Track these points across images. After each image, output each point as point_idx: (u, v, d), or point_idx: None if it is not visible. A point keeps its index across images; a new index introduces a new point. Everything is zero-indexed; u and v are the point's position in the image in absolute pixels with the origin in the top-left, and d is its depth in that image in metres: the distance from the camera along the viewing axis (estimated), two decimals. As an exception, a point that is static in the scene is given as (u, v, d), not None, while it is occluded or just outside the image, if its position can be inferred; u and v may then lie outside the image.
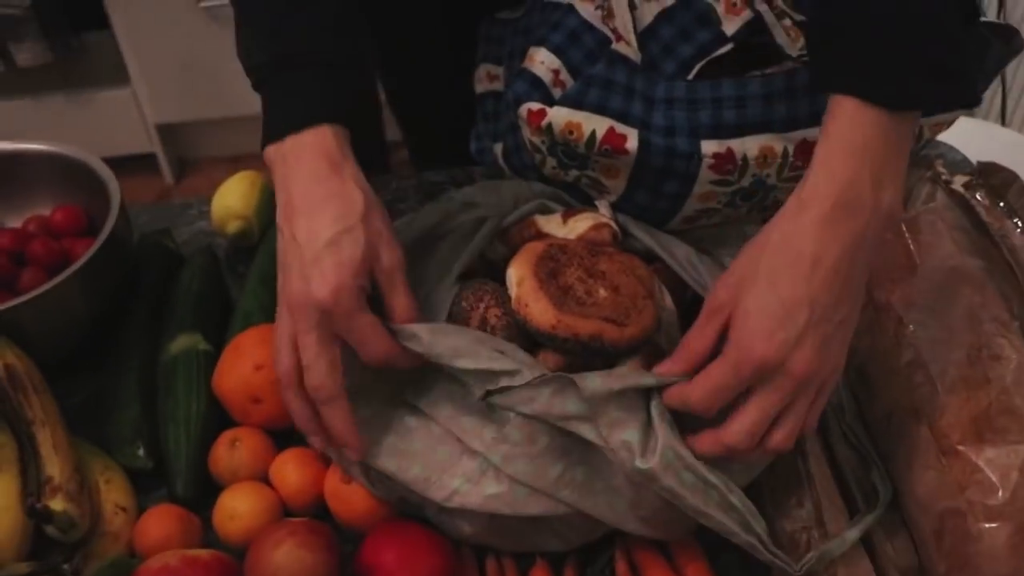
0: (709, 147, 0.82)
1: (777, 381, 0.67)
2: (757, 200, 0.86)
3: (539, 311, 0.76)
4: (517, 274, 0.79)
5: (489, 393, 0.69)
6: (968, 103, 0.70)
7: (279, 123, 0.74)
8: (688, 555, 0.77)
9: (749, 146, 0.82)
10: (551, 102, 0.84)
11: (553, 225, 0.91)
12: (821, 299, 0.66)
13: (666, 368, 0.71)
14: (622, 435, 0.68)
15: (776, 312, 0.66)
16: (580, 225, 0.89)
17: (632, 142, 0.82)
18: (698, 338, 0.70)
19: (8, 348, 0.84)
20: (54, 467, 0.79)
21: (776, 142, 0.82)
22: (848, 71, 0.66)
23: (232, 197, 1.02)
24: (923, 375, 0.78)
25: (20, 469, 0.78)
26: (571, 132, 0.82)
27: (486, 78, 0.98)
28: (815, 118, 0.81)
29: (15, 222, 1.01)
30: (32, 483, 0.78)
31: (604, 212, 0.89)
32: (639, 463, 0.67)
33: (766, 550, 0.70)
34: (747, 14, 0.82)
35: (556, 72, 0.85)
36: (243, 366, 0.85)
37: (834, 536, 0.74)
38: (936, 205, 0.89)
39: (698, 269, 0.85)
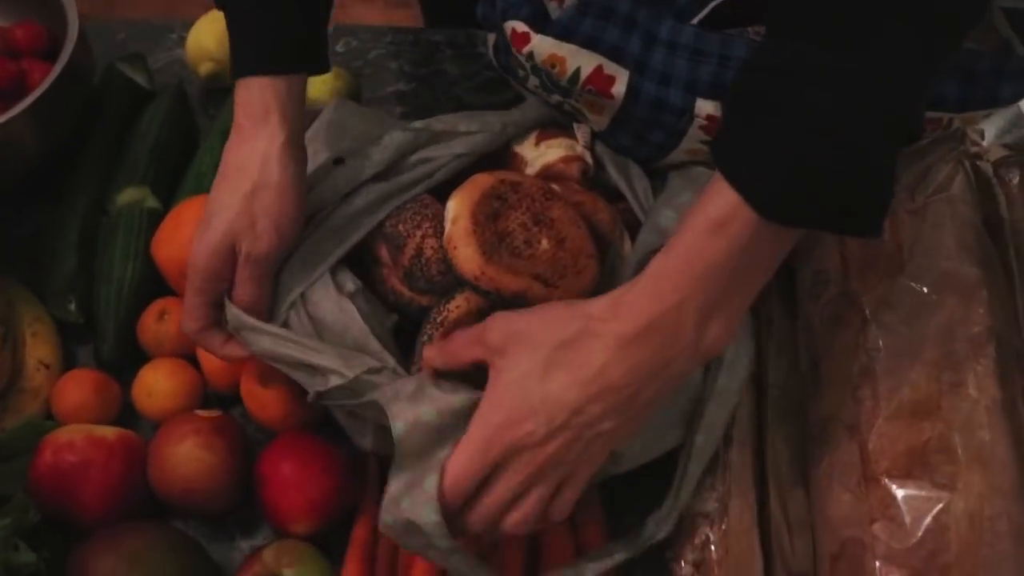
0: (704, 107, 0.73)
1: (519, 464, 0.62)
2: None
3: (465, 257, 0.71)
4: (454, 210, 0.73)
5: (319, 395, 0.69)
6: (866, 234, 0.59)
7: (233, 63, 0.73)
8: (589, 514, 0.76)
9: None
10: (543, 20, 0.75)
11: (526, 147, 0.84)
12: (589, 409, 0.61)
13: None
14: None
15: (533, 405, 0.61)
16: (551, 153, 0.82)
17: (619, 87, 0.74)
18: (458, 355, 0.66)
19: (-60, 187, 0.81)
20: (-24, 317, 0.79)
21: None
22: (744, 163, 0.57)
23: (207, 37, 0.95)
24: (870, 389, 0.72)
25: (-62, 319, 0.78)
26: (554, 66, 0.74)
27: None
28: None
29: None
30: (-49, 332, 0.78)
31: (581, 140, 0.82)
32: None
33: None
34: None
35: None
36: (181, 237, 0.81)
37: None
38: (951, 194, 0.80)
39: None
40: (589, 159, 0.82)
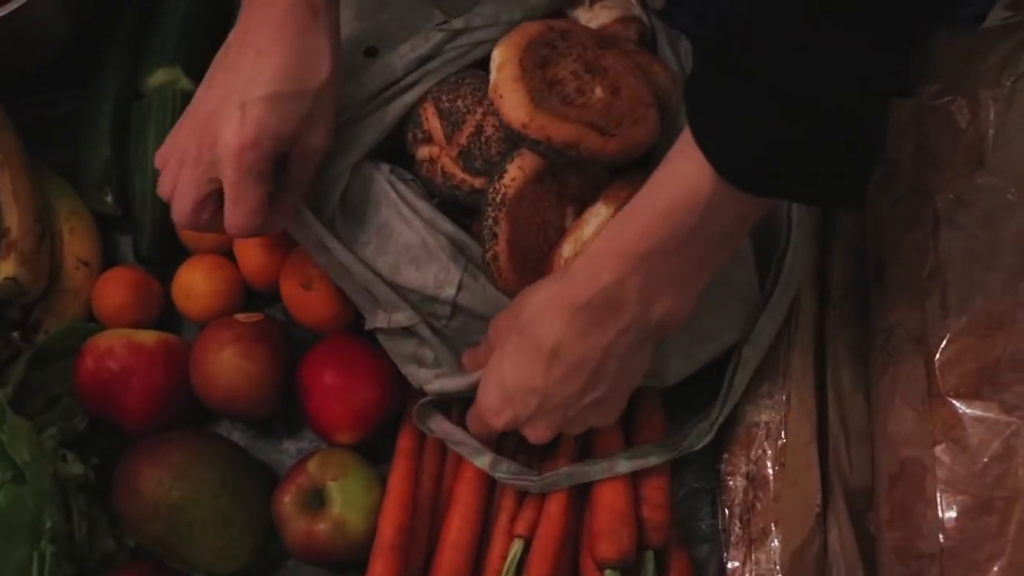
0: None
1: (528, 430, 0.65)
2: None
3: (512, 104, 0.64)
4: (500, 56, 0.67)
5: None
6: (846, 206, 0.55)
7: None
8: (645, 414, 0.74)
9: None
10: None
11: (580, 10, 0.76)
12: (557, 390, 0.62)
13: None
14: None
15: (505, 394, 0.63)
16: (606, 14, 0.75)
17: None
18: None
19: (-37, 79, 0.77)
20: (12, 216, 0.76)
21: None
22: (716, 128, 0.51)
23: None
24: (940, 297, 0.67)
25: (-26, 221, 0.75)
26: None
27: None
28: None
29: None
30: (-12, 232, 0.75)
31: (636, 4, 0.74)
32: None
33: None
34: None
35: None
36: (214, 131, 0.76)
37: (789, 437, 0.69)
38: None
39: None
40: (647, 20, 0.74)
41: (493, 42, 0.71)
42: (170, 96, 0.81)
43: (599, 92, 0.66)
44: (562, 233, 0.68)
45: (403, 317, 0.68)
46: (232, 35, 0.65)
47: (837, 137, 0.49)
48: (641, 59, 0.71)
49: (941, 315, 0.67)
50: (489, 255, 0.67)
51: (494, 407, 0.64)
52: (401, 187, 0.69)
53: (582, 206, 0.68)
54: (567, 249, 0.66)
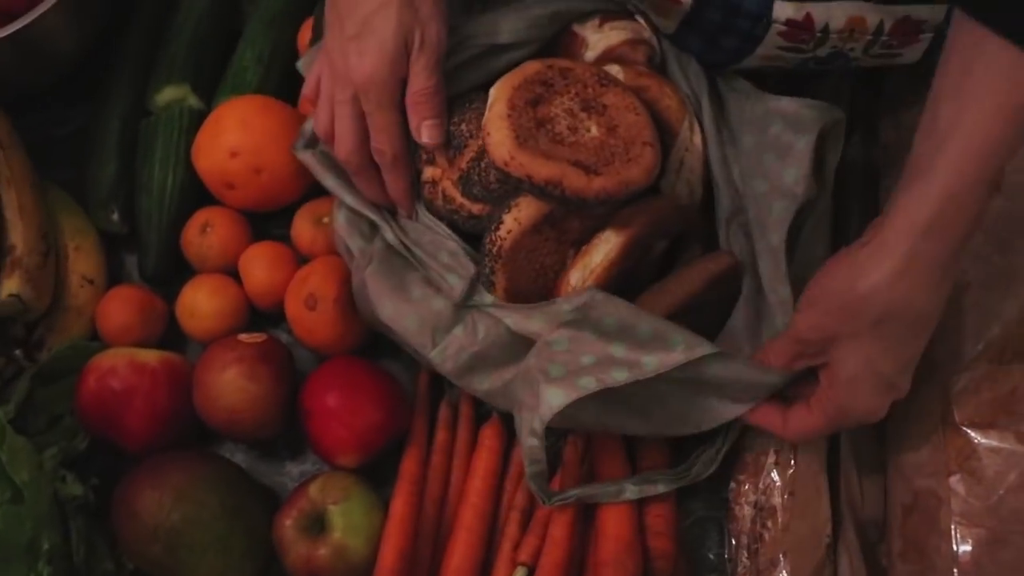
0: (783, 10, 0.63)
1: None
2: (834, 67, 0.68)
3: (496, 142, 0.63)
4: (493, 94, 0.66)
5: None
6: None
7: None
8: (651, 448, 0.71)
9: (834, 14, 0.63)
10: None
11: (588, 28, 0.74)
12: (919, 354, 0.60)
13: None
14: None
15: (881, 383, 0.59)
16: (615, 35, 0.73)
17: None
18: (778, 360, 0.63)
19: (-30, 97, 0.75)
20: (17, 234, 0.74)
21: (870, 14, 0.63)
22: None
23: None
24: (956, 325, 0.65)
25: (-20, 239, 0.73)
26: None
27: None
28: None
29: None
30: (-8, 250, 0.74)
31: (646, 27, 0.71)
32: None
33: None
34: None
35: None
36: (219, 149, 0.75)
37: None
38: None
39: (725, 154, 0.69)
40: (656, 44, 0.72)
41: (488, 54, 0.70)
42: (178, 114, 0.79)
43: (594, 130, 0.64)
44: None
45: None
46: None
47: None
48: (650, 84, 0.69)
49: (956, 343, 0.65)
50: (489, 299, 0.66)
51: (869, 399, 0.60)
52: None
53: (582, 246, 0.66)
54: (575, 277, 0.64)
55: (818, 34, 0.63)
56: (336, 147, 0.68)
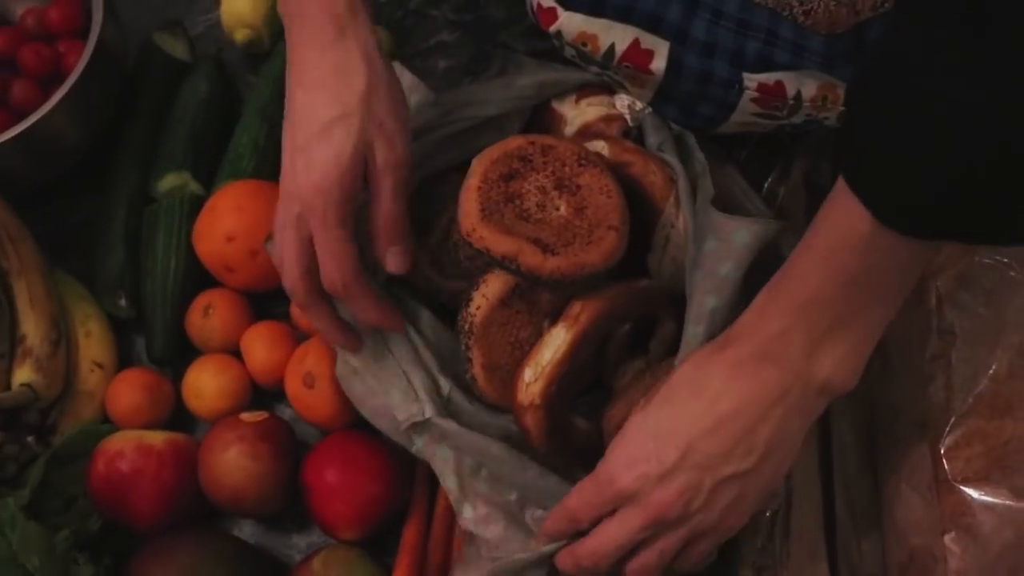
0: (754, 77, 0.62)
1: (631, 513, 0.56)
2: (812, 131, 0.67)
3: (464, 212, 0.62)
4: (472, 166, 0.65)
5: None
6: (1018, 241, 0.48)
7: None
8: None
9: (805, 84, 0.62)
10: None
11: (567, 104, 0.73)
12: (702, 446, 0.54)
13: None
14: None
15: (646, 443, 0.56)
16: (591, 111, 0.72)
17: (659, 62, 0.62)
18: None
19: (-19, 195, 0.76)
20: (29, 323, 0.74)
21: (840, 85, 0.62)
22: (877, 175, 0.47)
23: (240, 2, 0.85)
24: (944, 380, 0.62)
25: (-8, 331, 0.74)
26: (584, 44, 0.63)
27: None
28: None
29: (15, 6, 0.87)
30: (4, 340, 0.74)
31: (623, 103, 0.71)
32: None
33: None
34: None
35: None
36: (216, 234, 0.75)
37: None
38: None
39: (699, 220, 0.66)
40: (630, 119, 0.71)
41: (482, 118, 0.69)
42: (178, 200, 0.79)
43: (562, 209, 0.63)
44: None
45: (429, 408, 0.63)
46: (287, 87, 0.62)
47: (1004, 169, 0.43)
48: (635, 160, 0.67)
49: (946, 398, 0.62)
50: (468, 376, 0.65)
51: (628, 460, 0.56)
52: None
53: (556, 318, 0.64)
54: (528, 374, 0.62)
55: (790, 101, 0.62)
56: (282, 277, 0.62)
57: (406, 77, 0.73)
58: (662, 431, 0.55)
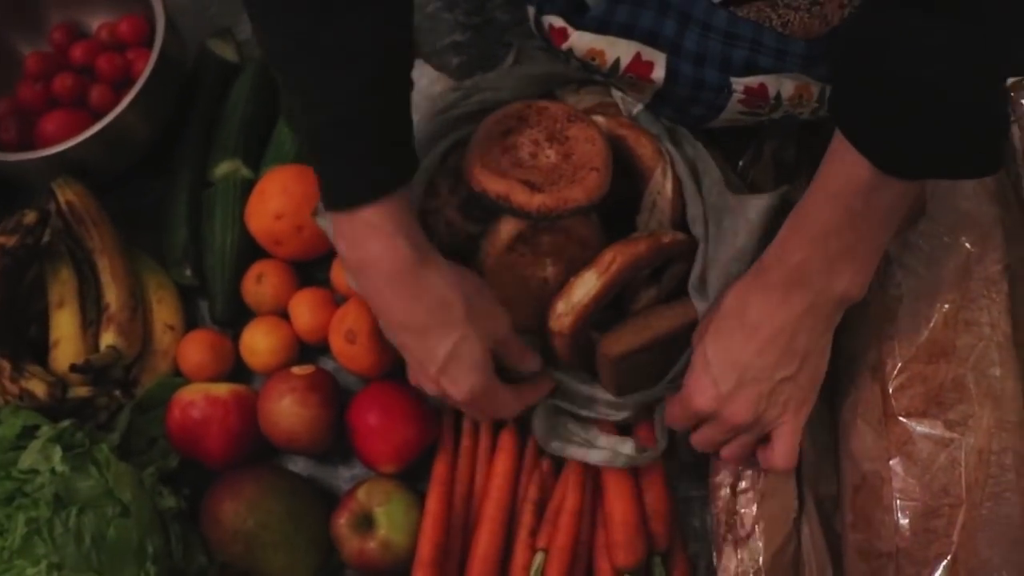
0: (740, 81, 0.68)
1: (716, 424, 0.67)
2: (785, 122, 0.73)
3: (467, 162, 0.70)
4: (478, 127, 0.72)
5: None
6: (987, 174, 0.58)
7: (340, 191, 0.62)
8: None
9: (784, 85, 0.68)
10: (578, 10, 0.69)
11: (567, 92, 0.80)
12: (756, 362, 0.64)
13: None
14: None
15: (712, 372, 0.66)
16: (588, 98, 0.78)
17: (659, 71, 0.68)
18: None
19: (67, 186, 0.83)
20: (111, 294, 0.82)
21: (814, 84, 0.68)
22: (865, 127, 0.56)
23: (281, 7, 0.91)
24: (892, 330, 0.69)
25: (80, 303, 0.81)
26: (593, 58, 0.68)
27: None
28: None
29: (92, 22, 0.94)
30: (91, 309, 0.81)
31: (617, 94, 0.77)
32: None
33: None
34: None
35: None
36: (266, 213, 0.82)
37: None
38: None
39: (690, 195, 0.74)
40: (623, 107, 0.77)
41: (496, 102, 0.76)
42: (231, 184, 0.86)
43: (552, 156, 0.70)
44: (543, 282, 0.73)
45: None
46: (367, 298, 0.67)
47: (970, 117, 0.53)
48: (628, 134, 0.74)
49: (893, 346, 0.69)
50: None
51: (699, 388, 0.66)
52: None
53: (559, 258, 0.72)
54: (560, 307, 0.70)
55: (772, 101, 0.69)
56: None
57: (427, 70, 0.80)
58: (719, 361, 0.65)
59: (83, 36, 0.95)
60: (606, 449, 0.74)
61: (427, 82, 0.79)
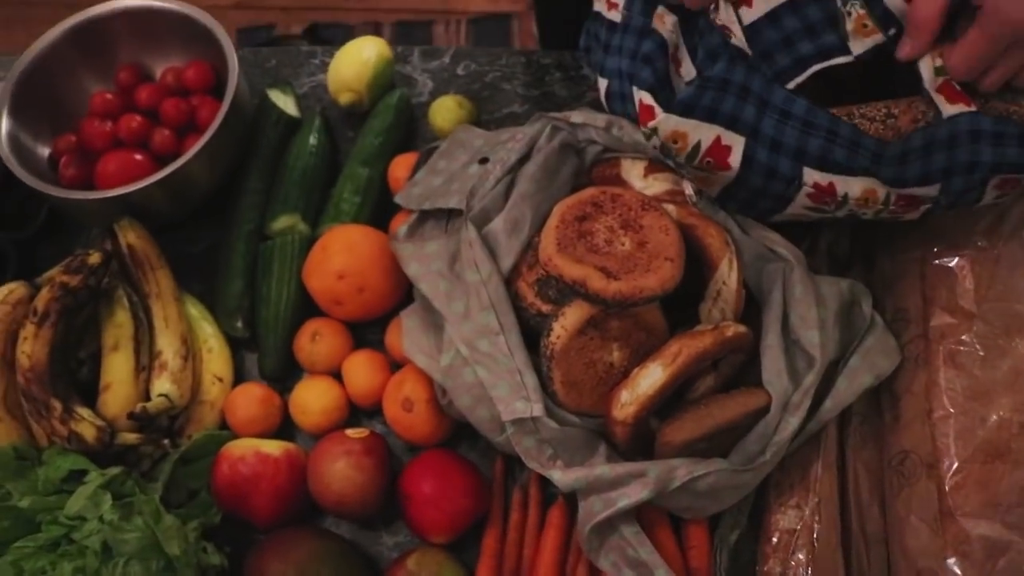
0: (812, 176, 0.68)
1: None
2: (852, 222, 0.74)
3: (543, 247, 0.70)
4: (554, 210, 0.72)
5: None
6: None
7: None
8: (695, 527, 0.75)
9: (852, 186, 0.68)
10: (666, 89, 0.70)
11: (634, 174, 0.80)
12: None
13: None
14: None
15: None
16: (657, 186, 0.78)
17: (735, 156, 0.68)
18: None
19: (130, 228, 0.81)
20: (164, 340, 0.80)
21: (880, 188, 0.68)
22: None
23: (346, 70, 0.91)
24: (948, 429, 0.69)
25: (135, 348, 0.79)
26: (675, 141, 0.68)
27: (604, 1, 0.82)
28: (923, 179, 0.66)
29: (158, 66, 0.94)
30: (144, 354, 0.79)
31: (687, 184, 0.77)
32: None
33: None
34: (878, 37, 0.65)
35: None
36: (328, 271, 0.80)
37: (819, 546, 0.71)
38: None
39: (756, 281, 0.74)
40: (693, 196, 0.78)
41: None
42: (290, 240, 0.85)
43: (627, 244, 0.70)
44: (609, 366, 0.72)
45: (538, 408, 0.69)
46: None
47: None
48: (698, 223, 0.74)
49: (949, 445, 0.69)
50: (549, 391, 0.71)
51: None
52: None
53: (626, 344, 0.71)
54: (624, 396, 0.69)
55: (839, 198, 0.69)
56: None
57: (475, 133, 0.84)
58: None
59: (147, 79, 0.94)
60: None
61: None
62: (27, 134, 0.88)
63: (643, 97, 0.70)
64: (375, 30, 2.01)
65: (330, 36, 1.99)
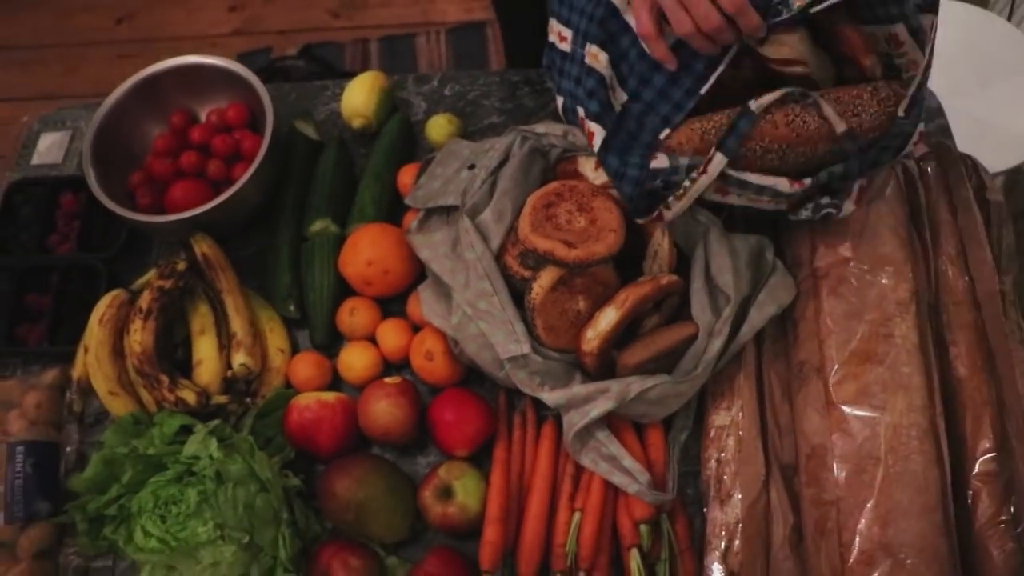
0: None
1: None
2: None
3: (521, 228, 0.92)
4: (526, 202, 0.94)
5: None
6: None
7: None
8: (652, 430, 0.98)
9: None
10: (607, 114, 0.92)
11: (588, 168, 1.02)
12: None
13: None
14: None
15: None
16: (603, 176, 1.00)
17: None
18: None
19: (203, 240, 1.03)
20: (237, 325, 1.02)
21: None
22: None
23: (357, 99, 1.13)
24: (831, 342, 0.92)
25: (216, 331, 1.01)
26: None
27: (556, 34, 1.04)
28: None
29: (202, 109, 1.15)
30: (224, 337, 1.02)
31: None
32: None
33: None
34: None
35: None
36: (359, 260, 1.02)
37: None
38: (887, 196, 0.97)
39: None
40: None
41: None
42: (326, 239, 1.06)
43: (582, 222, 0.92)
44: (577, 313, 0.94)
45: (527, 347, 0.90)
46: None
47: None
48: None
49: (832, 353, 0.92)
50: (534, 335, 0.93)
51: None
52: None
53: (588, 295, 0.93)
54: (589, 334, 0.91)
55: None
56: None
57: (463, 144, 1.04)
58: None
59: (195, 120, 1.15)
60: (626, 475, 0.91)
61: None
62: (108, 173, 1.09)
63: (589, 126, 0.92)
64: (363, 46, 2.21)
65: (323, 55, 2.18)
